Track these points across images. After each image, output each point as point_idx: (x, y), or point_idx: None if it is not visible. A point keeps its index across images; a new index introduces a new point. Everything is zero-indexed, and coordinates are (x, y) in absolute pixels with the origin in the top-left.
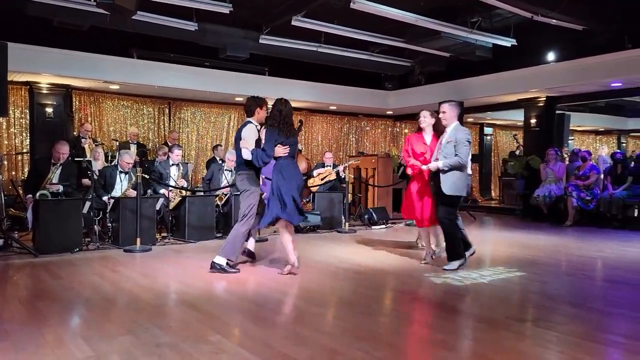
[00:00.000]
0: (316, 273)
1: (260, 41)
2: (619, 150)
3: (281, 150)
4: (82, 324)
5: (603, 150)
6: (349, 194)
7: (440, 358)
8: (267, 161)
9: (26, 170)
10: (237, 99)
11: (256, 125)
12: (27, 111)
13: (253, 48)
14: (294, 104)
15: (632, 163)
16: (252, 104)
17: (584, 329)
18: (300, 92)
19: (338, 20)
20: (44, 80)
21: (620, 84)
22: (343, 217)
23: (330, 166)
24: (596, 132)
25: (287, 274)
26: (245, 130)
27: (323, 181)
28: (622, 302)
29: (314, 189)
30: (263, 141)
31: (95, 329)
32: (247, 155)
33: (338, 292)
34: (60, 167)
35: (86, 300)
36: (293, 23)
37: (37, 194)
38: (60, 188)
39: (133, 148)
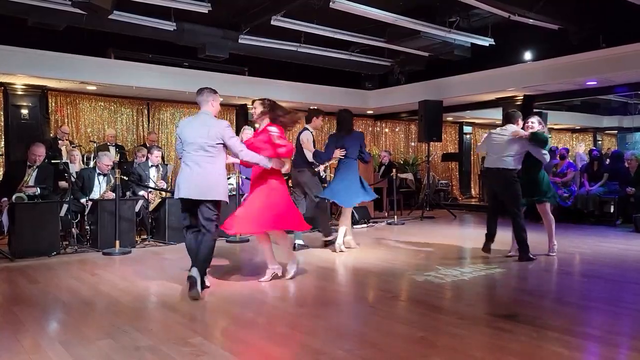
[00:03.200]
0: (298, 273)
1: (240, 41)
2: (595, 148)
3: (339, 153)
4: (60, 329)
5: (580, 147)
6: None
7: (422, 355)
8: (324, 161)
9: (1, 173)
10: None
11: (311, 131)
12: (2, 113)
13: (232, 48)
14: None
15: (608, 160)
16: (310, 114)
17: (561, 323)
18: (280, 92)
19: (318, 20)
20: (19, 81)
21: (595, 83)
22: None
23: None
24: (573, 130)
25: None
26: (304, 135)
27: None
28: (598, 296)
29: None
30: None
31: (73, 333)
32: (310, 156)
33: (320, 292)
34: (37, 169)
35: (64, 305)
36: (272, 23)
37: (13, 197)
38: (37, 191)
39: (112, 150)
